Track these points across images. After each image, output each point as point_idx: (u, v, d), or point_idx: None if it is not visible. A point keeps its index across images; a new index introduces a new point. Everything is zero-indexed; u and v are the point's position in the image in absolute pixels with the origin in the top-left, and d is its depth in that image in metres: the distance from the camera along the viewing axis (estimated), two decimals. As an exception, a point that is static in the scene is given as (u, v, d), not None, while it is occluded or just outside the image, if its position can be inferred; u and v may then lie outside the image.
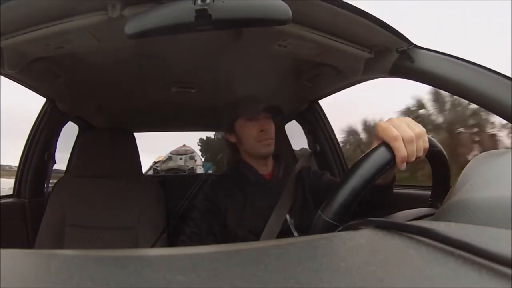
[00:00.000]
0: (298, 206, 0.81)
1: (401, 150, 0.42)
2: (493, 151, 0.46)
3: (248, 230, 0.76)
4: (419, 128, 0.45)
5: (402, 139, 0.43)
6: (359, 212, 0.40)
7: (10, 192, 1.26)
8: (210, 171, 3.20)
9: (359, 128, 3.95)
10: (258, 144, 0.84)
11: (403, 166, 0.43)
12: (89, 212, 1.04)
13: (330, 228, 0.37)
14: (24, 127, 1.26)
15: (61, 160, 1.45)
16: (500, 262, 0.18)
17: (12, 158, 1.33)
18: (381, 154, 0.42)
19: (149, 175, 2.44)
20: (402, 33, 0.72)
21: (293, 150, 1.79)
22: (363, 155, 0.42)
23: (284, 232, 0.74)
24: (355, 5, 0.64)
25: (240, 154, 0.90)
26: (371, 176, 0.39)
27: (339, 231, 0.35)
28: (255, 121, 0.84)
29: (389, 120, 0.47)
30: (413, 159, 0.44)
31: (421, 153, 0.45)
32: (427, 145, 0.46)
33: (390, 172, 0.54)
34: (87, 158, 1.11)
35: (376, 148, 0.43)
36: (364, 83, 0.98)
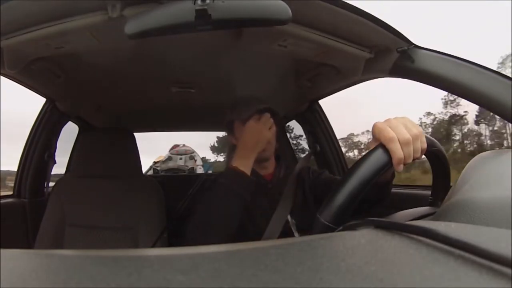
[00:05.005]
0: (299, 206, 0.81)
1: (397, 153, 0.42)
2: (493, 151, 0.46)
3: (249, 231, 0.75)
4: (416, 129, 0.45)
5: (399, 140, 0.43)
6: (360, 210, 0.40)
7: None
8: (210, 171, 3.19)
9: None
10: None
11: (400, 167, 0.43)
12: (89, 212, 1.04)
13: (328, 231, 0.37)
14: (23, 130, 1.26)
15: (61, 163, 1.45)
16: (500, 262, 0.18)
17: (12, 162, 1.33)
18: (378, 157, 0.42)
19: (149, 175, 2.44)
20: (402, 33, 0.72)
21: (293, 150, 1.79)
22: (361, 157, 0.42)
23: (285, 233, 0.74)
24: (355, 5, 0.64)
25: None
26: (369, 179, 0.39)
27: (339, 231, 0.35)
28: None
29: (386, 120, 0.46)
30: (410, 160, 0.44)
31: (418, 154, 0.45)
32: (425, 146, 0.46)
33: (388, 171, 0.54)
34: (87, 158, 1.11)
35: (373, 150, 0.43)
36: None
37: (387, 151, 0.42)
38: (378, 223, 0.30)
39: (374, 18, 0.67)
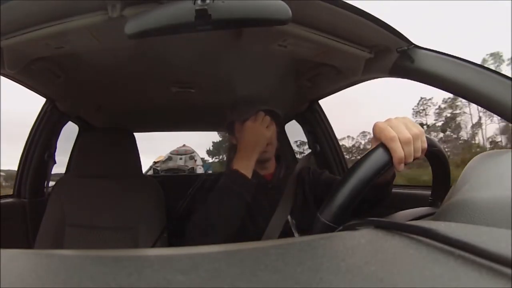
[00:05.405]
0: (299, 206, 0.81)
1: (398, 152, 0.42)
2: (493, 151, 0.46)
3: (249, 231, 0.75)
4: (417, 129, 0.45)
5: (399, 140, 0.43)
6: (360, 210, 0.40)
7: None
8: (210, 171, 3.20)
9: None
10: None
11: (401, 167, 0.43)
12: (89, 212, 1.04)
13: (329, 231, 0.37)
14: (23, 130, 1.26)
15: (61, 163, 1.45)
16: (500, 262, 0.18)
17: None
18: (378, 156, 0.42)
19: (149, 175, 2.44)
20: (402, 33, 0.72)
21: (293, 150, 1.79)
22: (361, 156, 0.42)
23: (285, 233, 0.74)
24: (355, 5, 0.64)
25: None
26: (369, 178, 0.39)
27: (339, 231, 0.35)
28: None
29: (387, 120, 0.47)
30: (411, 160, 0.44)
31: (419, 154, 0.45)
32: (426, 146, 0.46)
33: (389, 171, 0.54)
34: (87, 158, 1.11)
35: (374, 149, 0.43)
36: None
37: (387, 150, 0.42)
38: (378, 223, 0.30)
39: (374, 18, 0.67)
